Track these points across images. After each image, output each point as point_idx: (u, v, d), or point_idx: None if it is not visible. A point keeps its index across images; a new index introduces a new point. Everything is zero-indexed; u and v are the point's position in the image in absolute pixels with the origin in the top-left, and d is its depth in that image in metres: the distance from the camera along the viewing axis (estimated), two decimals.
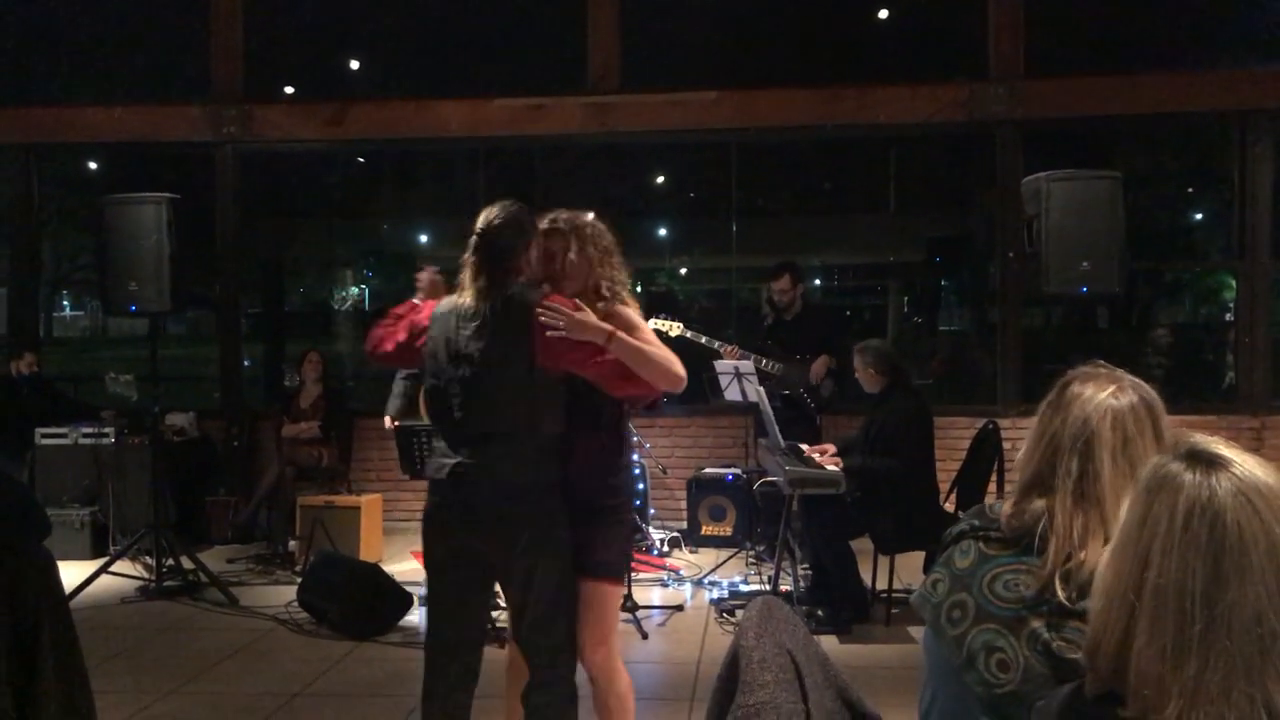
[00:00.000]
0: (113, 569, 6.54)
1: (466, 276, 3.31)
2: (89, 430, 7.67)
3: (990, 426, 5.89)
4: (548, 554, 3.19)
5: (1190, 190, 12.80)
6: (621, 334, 3.14)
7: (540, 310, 3.13)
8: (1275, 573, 1.33)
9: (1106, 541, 1.78)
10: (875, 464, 5.70)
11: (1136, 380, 1.94)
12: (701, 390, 7.04)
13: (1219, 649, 1.32)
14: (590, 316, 3.16)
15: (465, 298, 3.29)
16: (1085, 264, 5.83)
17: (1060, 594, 1.79)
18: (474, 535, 3.21)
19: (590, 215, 3.43)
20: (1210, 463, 1.39)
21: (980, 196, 9.79)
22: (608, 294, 3.33)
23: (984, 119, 8.05)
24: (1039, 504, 1.89)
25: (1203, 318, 15.24)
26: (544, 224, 3.38)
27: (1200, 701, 1.31)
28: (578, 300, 3.24)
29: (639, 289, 14.78)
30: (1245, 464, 1.39)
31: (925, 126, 8.29)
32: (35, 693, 3.19)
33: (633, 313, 3.32)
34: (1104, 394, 1.90)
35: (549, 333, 3.11)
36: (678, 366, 3.18)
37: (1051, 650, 1.78)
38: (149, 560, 6.67)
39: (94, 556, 7.20)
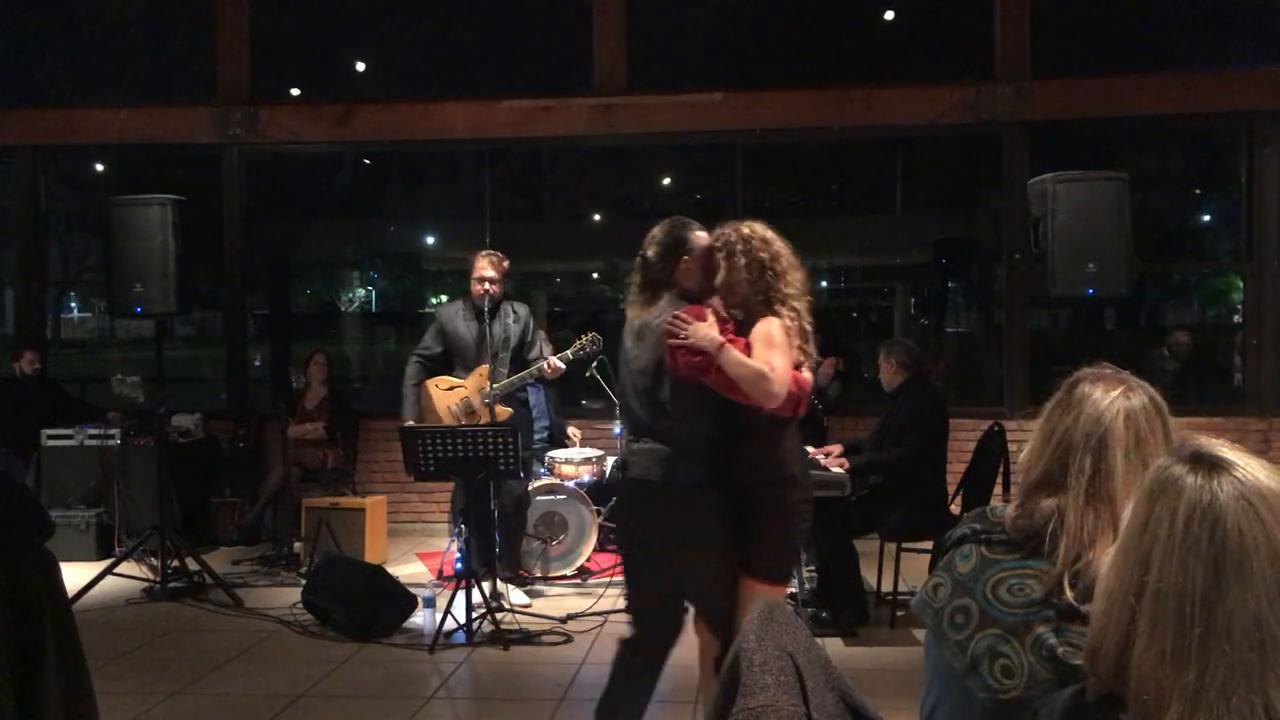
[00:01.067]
0: (118, 570, 6.54)
1: (633, 292, 3.70)
2: (95, 431, 7.68)
3: (996, 428, 5.88)
4: (692, 544, 3.50)
5: (1198, 192, 12.75)
6: (729, 348, 3.33)
7: (669, 321, 3.41)
8: (1276, 578, 1.31)
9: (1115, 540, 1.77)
10: (882, 456, 5.71)
11: (1142, 382, 1.93)
12: None
13: (1218, 654, 1.30)
14: (709, 329, 3.36)
15: (632, 311, 3.67)
16: (1092, 266, 5.82)
17: (1069, 594, 1.78)
18: (632, 518, 3.72)
19: (752, 227, 3.58)
20: (1213, 466, 1.38)
21: (987, 198, 9.76)
22: (761, 306, 3.52)
23: (990, 120, 8.03)
24: (1049, 504, 1.87)
25: (1210, 320, 15.19)
26: (711, 238, 3.62)
27: (1200, 706, 1.30)
28: (712, 310, 3.49)
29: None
30: (1248, 467, 1.37)
31: (932, 128, 8.28)
32: (37, 693, 3.19)
33: (773, 326, 3.46)
34: (1115, 393, 1.89)
35: (670, 341, 3.39)
36: (769, 385, 3.33)
37: (1057, 656, 1.76)
38: (154, 561, 6.68)
39: (99, 558, 7.22)
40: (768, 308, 3.51)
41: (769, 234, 3.59)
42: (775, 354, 3.39)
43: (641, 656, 3.74)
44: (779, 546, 3.53)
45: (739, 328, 3.55)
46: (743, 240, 3.54)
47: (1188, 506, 1.36)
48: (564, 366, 6.22)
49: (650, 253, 3.64)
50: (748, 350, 3.44)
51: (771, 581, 3.52)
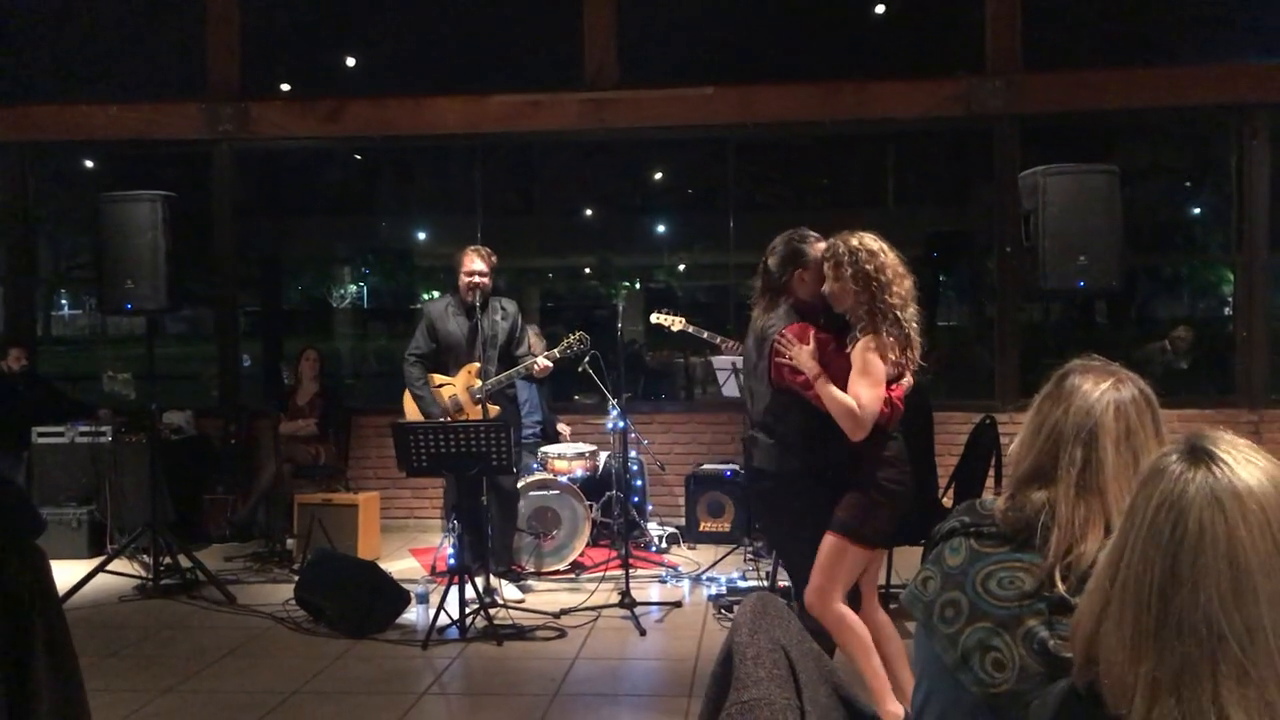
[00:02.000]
0: (110, 567, 6.53)
1: (755, 297, 4.09)
2: (86, 429, 7.66)
3: (988, 421, 5.88)
4: (785, 525, 4.01)
5: (1188, 184, 12.77)
6: (824, 381, 3.72)
7: (776, 340, 3.83)
8: (1231, 578, 1.31)
9: (1106, 532, 1.77)
10: None
11: (1131, 374, 1.93)
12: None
13: (1169, 647, 1.31)
14: (809, 356, 3.74)
15: (755, 314, 4.05)
16: (1083, 258, 5.82)
17: (1060, 587, 1.78)
18: (751, 500, 4.43)
19: (861, 238, 3.78)
20: (1200, 459, 1.38)
21: (978, 191, 9.77)
22: (863, 316, 3.77)
23: (981, 113, 8.04)
24: (1039, 496, 1.88)
25: (1201, 312, 15.23)
26: (823, 249, 3.91)
27: (1158, 698, 1.30)
28: (816, 331, 3.82)
29: (638, 285, 14.78)
30: (1237, 465, 1.36)
31: (923, 121, 8.29)
32: (27, 690, 3.18)
33: (866, 350, 3.72)
34: (1105, 385, 1.89)
35: (777, 359, 3.82)
36: (855, 421, 3.69)
37: (1048, 649, 1.76)
38: (146, 559, 6.66)
39: (91, 555, 7.20)
40: (870, 319, 3.74)
41: (876, 245, 3.80)
42: (865, 385, 3.68)
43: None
44: (864, 510, 3.80)
45: (844, 329, 3.88)
46: (850, 252, 3.76)
47: (1160, 497, 1.37)
48: (551, 366, 6.26)
49: (770, 262, 4.00)
50: (846, 365, 3.76)
51: (846, 537, 3.80)
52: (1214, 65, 8.29)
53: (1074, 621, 1.45)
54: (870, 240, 3.80)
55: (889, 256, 3.78)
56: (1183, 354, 8.98)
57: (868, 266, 3.72)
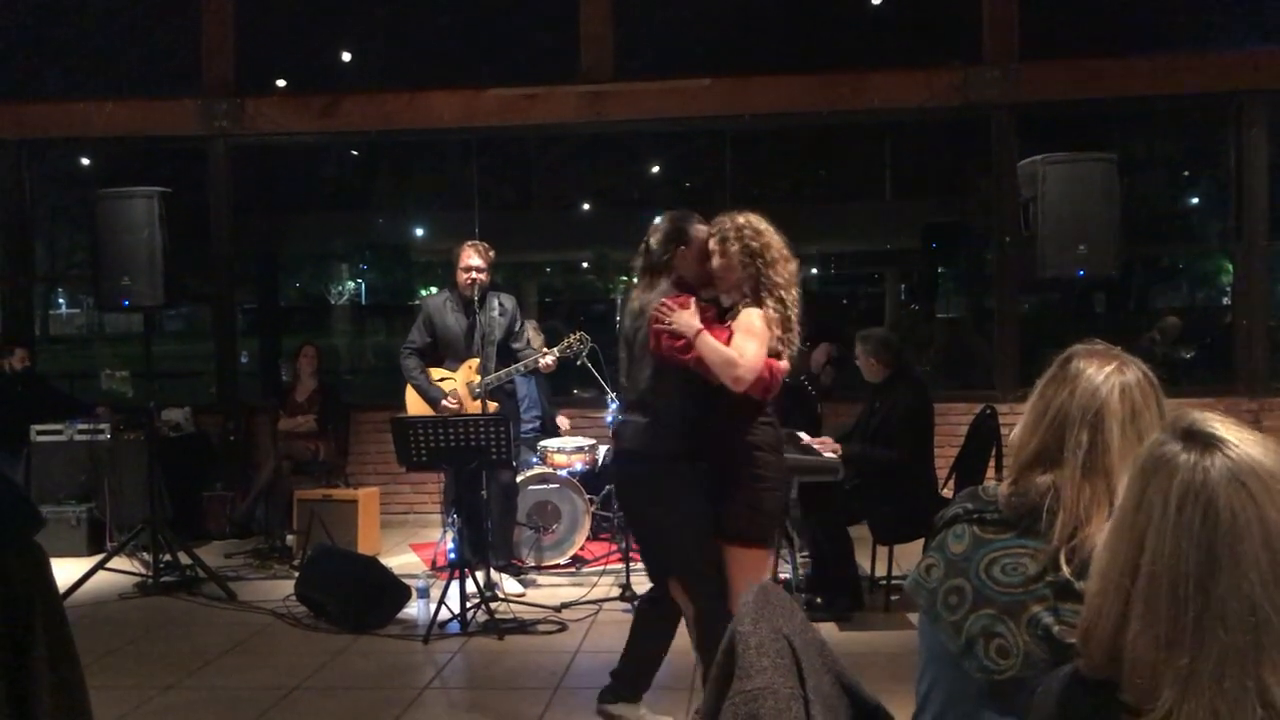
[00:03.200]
0: (110, 565, 6.52)
1: (637, 277, 4.08)
2: (85, 427, 7.64)
3: (988, 411, 5.89)
4: (666, 511, 3.87)
5: (1186, 173, 12.78)
6: (705, 335, 3.68)
7: (655, 307, 3.79)
8: (1270, 560, 1.29)
9: (1111, 514, 1.76)
10: (875, 454, 5.68)
11: (1134, 358, 1.92)
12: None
13: (1212, 638, 1.29)
14: (690, 316, 3.73)
15: (635, 293, 4.02)
16: (1081, 247, 5.81)
17: (1065, 570, 1.77)
18: (621, 484, 4.18)
19: (748, 217, 3.82)
20: (1206, 443, 1.36)
21: (976, 181, 9.76)
22: (747, 293, 3.80)
23: (979, 103, 8.02)
24: (1044, 479, 1.87)
25: (1200, 301, 15.24)
26: (710, 226, 3.91)
27: (1193, 691, 1.29)
28: (697, 299, 3.81)
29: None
30: (1242, 444, 1.35)
31: (920, 112, 8.27)
32: (28, 687, 3.17)
33: (754, 316, 3.74)
34: (1109, 368, 1.88)
35: (655, 326, 3.77)
36: (737, 370, 3.65)
37: (1053, 635, 1.76)
38: (146, 556, 6.65)
39: (91, 553, 7.19)
40: (755, 296, 3.77)
41: (763, 225, 3.83)
42: (751, 342, 3.68)
43: (657, 611, 4.13)
44: (748, 511, 3.79)
45: (726, 314, 3.88)
46: (737, 229, 3.79)
47: (1180, 487, 1.34)
48: (554, 365, 6.29)
49: (653, 241, 3.98)
50: (729, 337, 3.74)
51: (744, 543, 3.80)
52: (1211, 53, 8.28)
53: (1086, 625, 1.43)
54: (755, 219, 3.84)
55: (774, 237, 3.82)
56: (1171, 342, 8.98)
57: (754, 244, 3.77)
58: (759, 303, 3.77)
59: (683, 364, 3.74)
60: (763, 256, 3.76)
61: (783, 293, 3.77)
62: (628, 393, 4.07)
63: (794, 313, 3.83)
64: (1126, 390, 1.86)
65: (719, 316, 3.85)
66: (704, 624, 3.84)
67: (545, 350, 6.32)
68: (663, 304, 3.78)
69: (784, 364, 3.86)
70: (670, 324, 3.74)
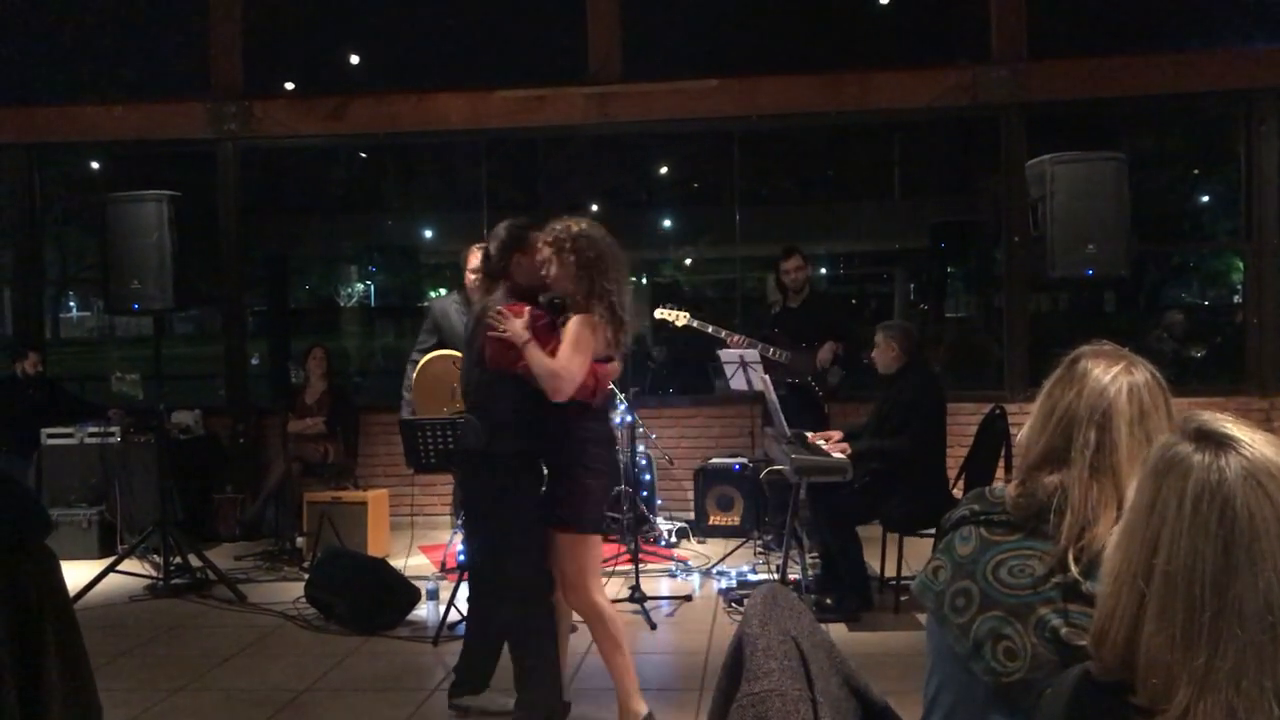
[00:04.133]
0: (121, 567, 6.53)
1: (479, 286, 4.27)
2: (95, 430, 7.66)
3: (997, 411, 5.87)
4: (487, 506, 4.06)
5: (1196, 171, 12.73)
6: (531, 346, 3.82)
7: (490, 315, 3.91)
8: None
9: (1119, 514, 1.75)
10: (884, 444, 5.68)
11: (1142, 359, 1.92)
12: (704, 383, 7.08)
13: (1229, 637, 1.29)
14: (520, 325, 3.84)
15: (475, 298, 4.21)
16: (1091, 247, 5.80)
17: (1073, 570, 1.77)
18: (462, 483, 4.31)
19: (580, 226, 3.93)
20: (1220, 443, 1.36)
21: (985, 181, 9.74)
22: (580, 302, 3.90)
23: (987, 103, 8.00)
24: (1051, 480, 1.86)
25: (1210, 300, 15.18)
26: (545, 234, 3.99)
27: (1209, 690, 1.28)
28: (531, 308, 3.94)
29: (644, 280, 14.75)
30: (1255, 443, 1.35)
31: (928, 111, 8.25)
32: (40, 688, 3.18)
33: (579, 324, 3.86)
34: (1117, 368, 1.88)
35: (489, 334, 3.90)
36: (558, 383, 3.80)
37: (1060, 637, 1.75)
38: (157, 558, 6.67)
39: (102, 555, 7.21)
40: (586, 301, 3.89)
41: (595, 233, 3.96)
42: (575, 354, 3.83)
43: (477, 607, 4.32)
44: (576, 498, 3.95)
45: (561, 312, 4.05)
46: (573, 239, 3.90)
47: (1196, 487, 1.34)
48: None
49: (492, 247, 4.12)
50: (558, 343, 3.90)
51: (571, 529, 3.95)
52: (1221, 50, 8.25)
53: (1098, 626, 1.43)
54: (589, 226, 3.96)
55: (607, 246, 3.96)
56: (1179, 339, 8.93)
57: (589, 254, 3.88)
58: (589, 308, 3.89)
59: (514, 371, 3.90)
60: (596, 266, 3.88)
61: (614, 299, 3.90)
62: (465, 394, 4.19)
63: (624, 315, 3.97)
64: (1134, 390, 1.86)
65: (551, 324, 3.98)
66: (516, 629, 4.09)
67: None
68: (497, 312, 3.90)
69: (613, 366, 4.06)
70: (503, 332, 3.86)
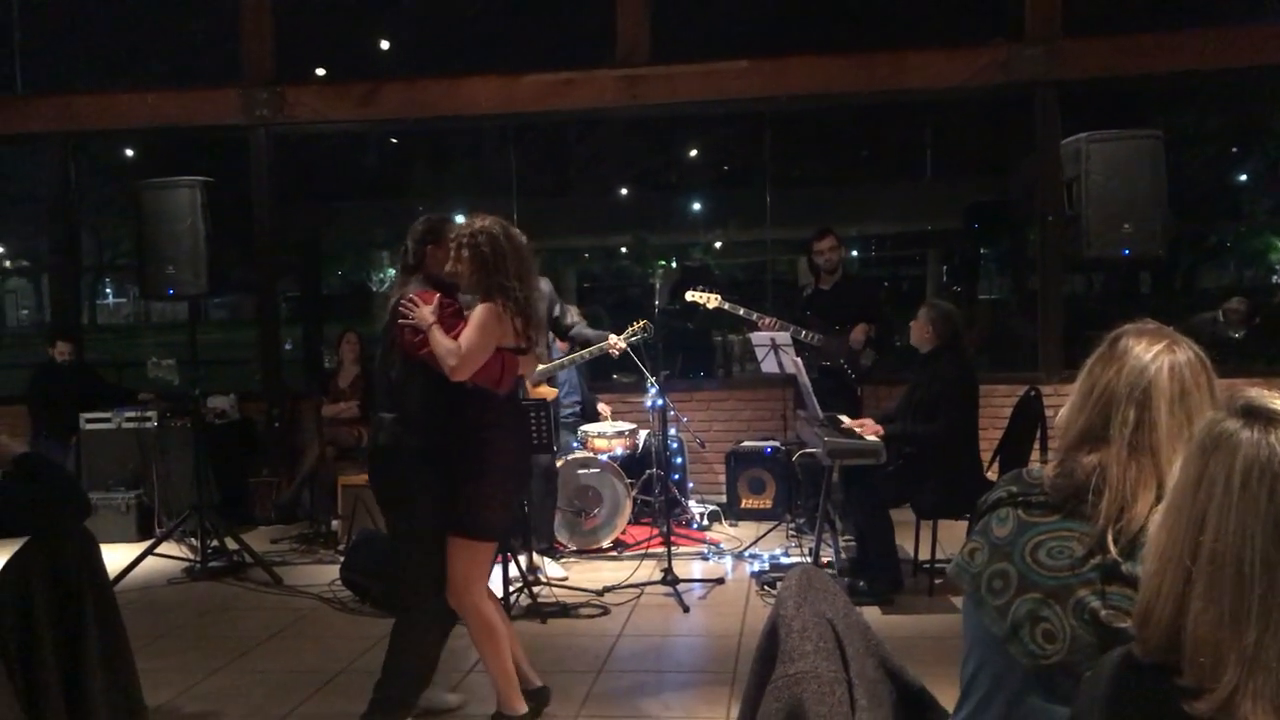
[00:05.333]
0: (158, 551, 6.61)
1: (397, 281, 4.28)
2: (132, 414, 7.75)
3: (1032, 393, 5.82)
4: (399, 504, 4.04)
5: (1234, 149, 12.54)
6: (434, 328, 3.87)
7: (401, 303, 3.96)
8: None
9: (1158, 494, 1.73)
10: (918, 429, 5.64)
11: (1186, 338, 1.89)
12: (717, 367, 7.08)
13: (1279, 615, 1.27)
14: (427, 311, 3.90)
15: (393, 292, 4.16)
16: (1126, 226, 5.74)
17: (1113, 550, 1.75)
18: (373, 479, 4.25)
19: (483, 224, 4.00)
20: (1268, 419, 1.34)
21: (1019, 161, 9.64)
22: (479, 294, 3.96)
23: (1021, 81, 7.89)
24: (1090, 460, 1.84)
25: (1248, 280, 14.98)
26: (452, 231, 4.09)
27: (1259, 669, 1.27)
28: (441, 296, 3.98)
29: (674, 264, 14.71)
30: None
31: (961, 90, 8.15)
32: (81, 668, 3.23)
33: (482, 310, 3.90)
34: (1159, 346, 1.85)
35: (400, 321, 3.95)
36: (451, 361, 3.83)
37: (1100, 619, 1.73)
38: (194, 541, 6.74)
39: (140, 539, 7.30)
40: (487, 294, 3.93)
41: (495, 230, 3.98)
42: (474, 334, 3.86)
43: (400, 614, 4.18)
44: (479, 504, 3.93)
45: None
46: (471, 236, 3.96)
47: (1245, 463, 1.32)
48: (624, 348, 6.40)
49: (409, 241, 4.19)
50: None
51: (466, 536, 3.93)
52: (1260, 27, 8.10)
53: (1143, 607, 1.41)
54: (492, 224, 3.99)
55: (505, 243, 3.97)
56: (1236, 325, 8.75)
57: (484, 249, 3.93)
58: (489, 299, 3.93)
59: (421, 357, 3.92)
60: (491, 261, 3.93)
61: (515, 294, 3.94)
62: (380, 389, 4.21)
63: (533, 309, 4.03)
64: (1176, 369, 1.83)
65: (458, 311, 4.02)
66: (402, 631, 4.08)
67: (612, 338, 6.36)
68: (407, 299, 3.96)
69: (527, 357, 4.09)
70: (412, 319, 3.92)
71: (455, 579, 3.97)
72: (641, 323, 6.35)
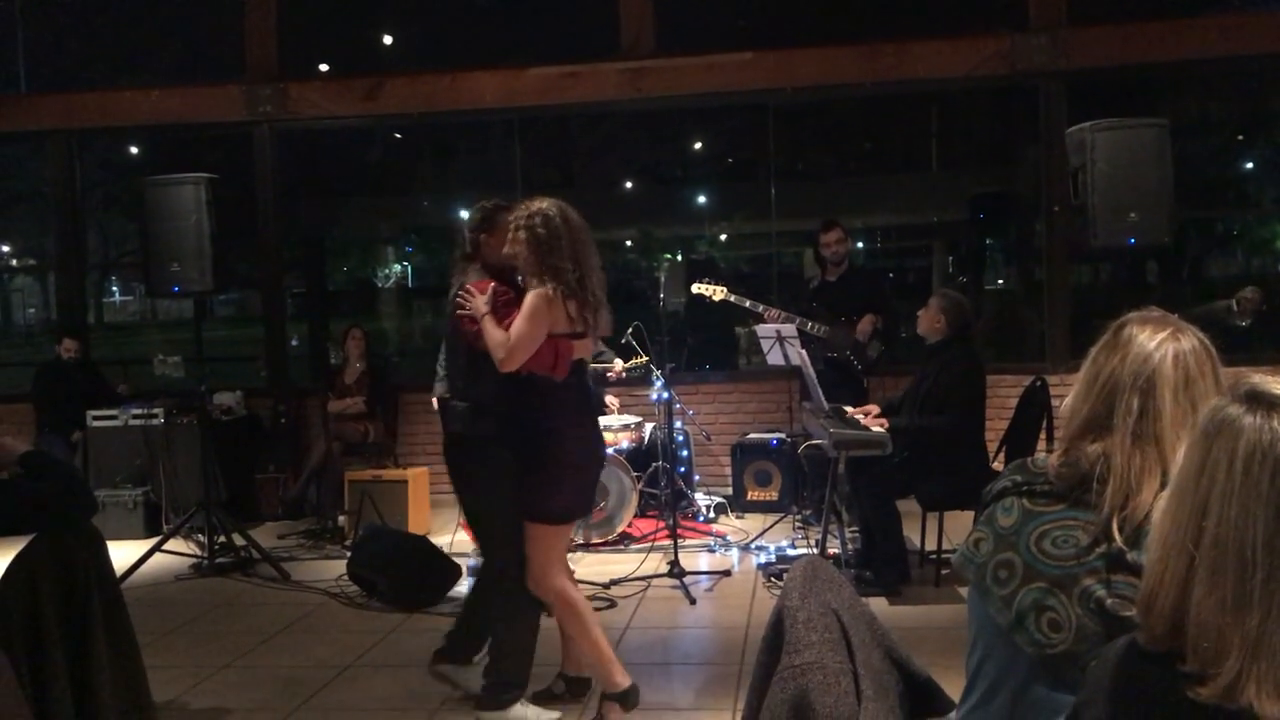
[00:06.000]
0: (166, 547, 6.62)
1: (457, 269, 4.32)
2: (139, 411, 7.77)
3: (1038, 383, 5.81)
4: (476, 490, 4.16)
5: (1240, 137, 12.49)
6: (487, 319, 3.90)
7: (458, 293, 4.02)
8: None
9: (1163, 482, 1.72)
10: (924, 422, 5.62)
11: (1191, 326, 1.89)
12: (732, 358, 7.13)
13: None
14: (481, 301, 3.93)
15: (455, 280, 4.21)
16: (1133, 215, 5.71)
17: (1118, 539, 1.74)
18: (448, 466, 4.24)
19: (540, 205, 3.95)
20: (1271, 405, 1.33)
21: (1024, 151, 9.60)
22: (534, 280, 3.91)
23: (1026, 70, 7.87)
24: (1094, 448, 1.83)
25: (1255, 268, 14.93)
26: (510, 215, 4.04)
27: (1262, 654, 1.26)
28: (495, 284, 3.99)
29: (679, 257, 14.70)
30: None
31: (966, 81, 8.12)
32: (89, 664, 3.24)
33: (532, 298, 3.88)
34: (1163, 334, 1.85)
35: (460, 312, 3.99)
36: (500, 353, 3.85)
37: (1105, 608, 1.73)
38: (201, 538, 6.75)
39: (147, 535, 7.31)
40: (540, 279, 3.91)
41: (552, 212, 3.94)
42: (524, 325, 3.86)
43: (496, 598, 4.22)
44: (547, 490, 3.94)
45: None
46: (528, 218, 3.92)
47: (1247, 448, 1.32)
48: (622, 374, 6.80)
49: (466, 230, 4.23)
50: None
51: (538, 521, 3.96)
52: (1266, 14, 8.07)
53: (1147, 593, 1.41)
54: (549, 206, 3.96)
55: (561, 224, 3.93)
56: (1249, 314, 8.69)
57: (540, 230, 3.90)
58: (543, 284, 3.91)
59: (482, 347, 3.94)
60: (547, 244, 3.89)
61: (569, 276, 3.90)
62: (451, 378, 4.30)
63: (593, 293, 3.97)
64: (1180, 357, 1.83)
65: (515, 299, 4.00)
66: (500, 614, 4.15)
67: (617, 363, 6.81)
68: (464, 289, 4.01)
69: (584, 340, 4.03)
70: (469, 309, 3.96)
71: (533, 565, 4.01)
72: (645, 359, 6.70)
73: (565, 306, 3.89)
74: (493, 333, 3.88)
